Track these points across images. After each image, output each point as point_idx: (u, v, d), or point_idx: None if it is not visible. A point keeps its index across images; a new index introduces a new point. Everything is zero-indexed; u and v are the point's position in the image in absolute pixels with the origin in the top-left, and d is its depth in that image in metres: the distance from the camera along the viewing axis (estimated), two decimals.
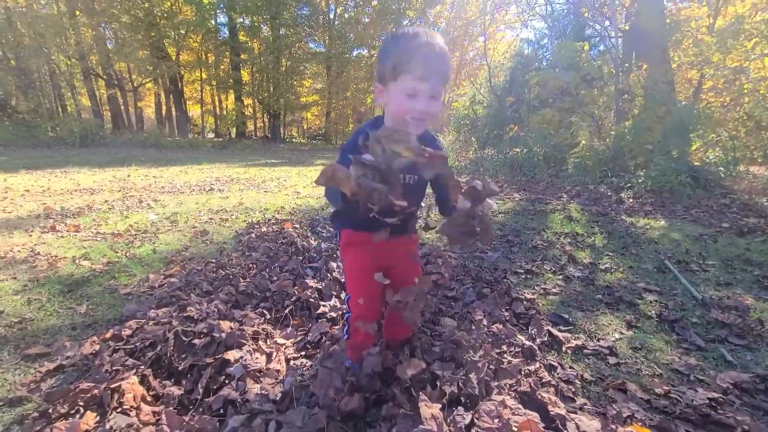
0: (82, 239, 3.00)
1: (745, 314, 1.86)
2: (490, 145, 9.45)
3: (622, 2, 8.25)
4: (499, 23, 17.70)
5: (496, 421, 0.91)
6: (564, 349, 1.56)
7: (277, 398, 1.11)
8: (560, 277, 2.39)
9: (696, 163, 5.20)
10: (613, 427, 0.99)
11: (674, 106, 6.30)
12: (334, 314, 1.63)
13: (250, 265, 2.35)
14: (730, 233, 3.49)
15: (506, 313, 1.75)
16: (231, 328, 1.45)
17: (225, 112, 28.13)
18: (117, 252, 2.70)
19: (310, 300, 1.70)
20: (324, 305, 1.67)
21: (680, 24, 7.78)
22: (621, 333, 1.73)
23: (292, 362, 1.34)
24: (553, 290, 2.17)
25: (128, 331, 1.45)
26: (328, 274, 1.97)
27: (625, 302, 2.02)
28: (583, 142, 7.37)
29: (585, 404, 1.17)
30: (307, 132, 35.99)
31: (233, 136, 25.36)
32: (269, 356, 1.32)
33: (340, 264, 2.03)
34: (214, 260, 2.42)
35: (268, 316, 1.66)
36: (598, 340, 1.65)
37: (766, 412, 1.21)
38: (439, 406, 0.95)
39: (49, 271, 2.35)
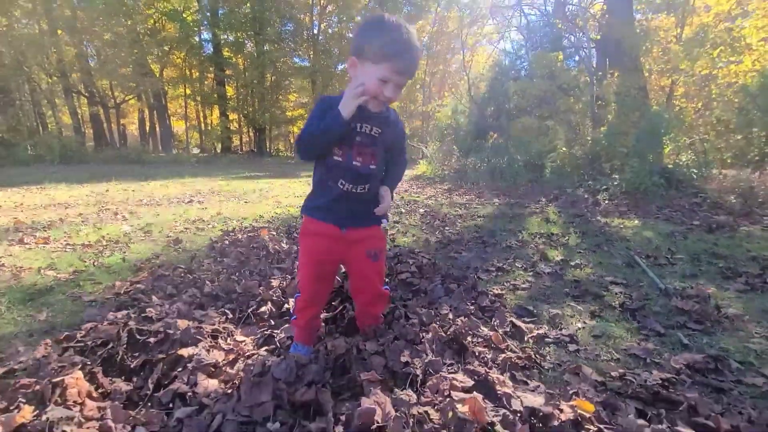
0: (50, 251, 2.93)
1: (705, 302, 1.90)
2: (472, 153, 9.58)
3: (593, 14, 8.56)
4: (478, 36, 18.17)
5: (439, 397, 0.91)
6: (526, 338, 1.57)
7: (228, 392, 1.09)
8: (530, 273, 2.41)
9: (669, 166, 5.34)
10: (557, 402, 0.99)
11: (647, 112, 6.51)
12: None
13: (220, 270, 2.33)
14: (700, 230, 3.59)
15: (471, 307, 1.76)
16: (188, 326, 1.43)
17: (210, 128, 28.05)
18: (85, 261, 2.64)
19: (273, 299, 1.69)
20: (288, 303, 1.65)
21: (650, 33, 8.09)
22: (584, 323, 1.75)
23: (249, 359, 1.32)
24: (522, 285, 2.19)
25: (82, 333, 1.42)
26: (290, 275, 1.96)
27: (591, 294, 2.05)
28: (563, 149, 7.55)
29: (538, 386, 1.18)
30: (294, 145, 35.97)
31: (218, 151, 25.25)
32: (226, 352, 1.30)
33: None
34: (183, 266, 2.39)
35: (231, 316, 1.64)
36: (561, 329, 1.67)
37: (714, 389, 1.23)
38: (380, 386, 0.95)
39: (11, 281, 2.28)
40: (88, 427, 0.92)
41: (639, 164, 5.16)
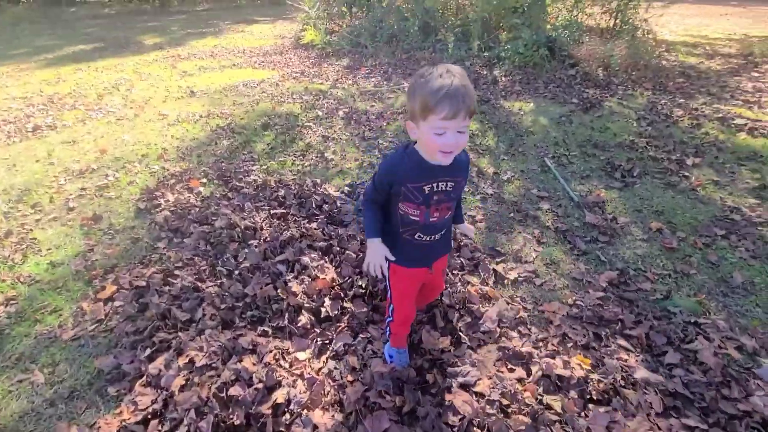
0: None
1: (603, 210, 2.63)
2: (357, 8, 8.62)
3: None
4: None
5: (501, 387, 1.38)
6: (506, 282, 2.09)
7: (343, 422, 1.38)
8: (478, 198, 2.85)
9: (552, 34, 5.78)
10: (567, 359, 1.55)
11: None
12: (335, 312, 1.81)
13: (196, 261, 2.22)
14: (579, 110, 4.34)
15: (459, 260, 2.16)
16: (254, 364, 1.55)
17: None
18: (4, 279, 2.19)
19: (305, 305, 1.82)
20: (324, 308, 1.82)
21: None
22: (535, 251, 2.32)
23: (332, 380, 1.56)
24: (478, 217, 2.63)
25: (145, 400, 1.44)
26: (308, 276, 1.99)
27: (531, 216, 2.61)
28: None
29: (538, 335, 1.72)
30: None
31: None
32: (307, 380, 1.52)
33: (313, 256, 2.09)
34: (154, 268, 2.19)
35: (268, 330, 1.76)
36: (524, 263, 2.22)
37: (627, 300, 1.95)
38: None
39: None
40: None
41: (528, 35, 5.49)
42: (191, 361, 1.58)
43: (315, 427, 1.36)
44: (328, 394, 1.49)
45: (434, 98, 1.00)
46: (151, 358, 1.63)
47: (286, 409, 1.42)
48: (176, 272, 2.14)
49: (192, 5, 19.82)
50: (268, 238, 2.26)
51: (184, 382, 1.48)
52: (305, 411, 1.41)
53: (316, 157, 3.53)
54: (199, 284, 2.02)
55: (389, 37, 6.99)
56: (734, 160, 3.22)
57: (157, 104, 5.07)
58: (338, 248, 2.16)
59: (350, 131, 4.06)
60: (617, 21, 6.62)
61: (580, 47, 5.69)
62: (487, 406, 1.37)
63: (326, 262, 2.06)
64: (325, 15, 8.07)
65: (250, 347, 1.65)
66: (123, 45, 9.31)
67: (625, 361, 1.60)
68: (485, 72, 5.62)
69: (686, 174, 3.03)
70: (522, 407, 1.35)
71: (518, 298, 1.97)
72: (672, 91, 4.90)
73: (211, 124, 4.30)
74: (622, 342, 1.69)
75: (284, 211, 2.61)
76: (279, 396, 1.43)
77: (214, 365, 1.56)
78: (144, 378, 1.55)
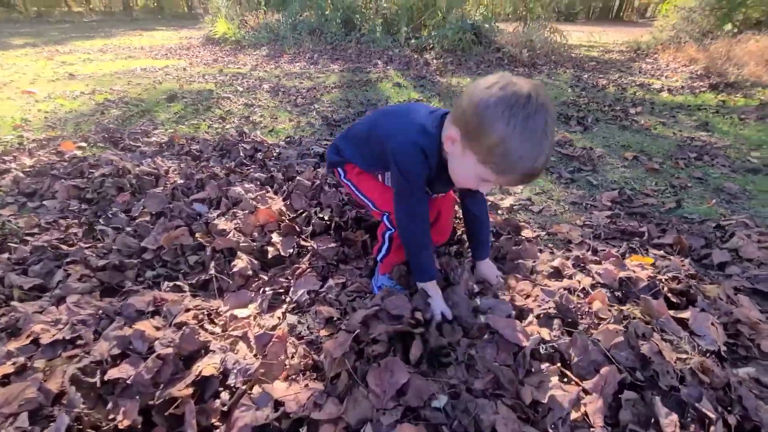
0: None
1: (575, 146, 2.41)
2: (273, 7, 8.16)
3: None
4: None
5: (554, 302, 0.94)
6: (500, 211, 1.69)
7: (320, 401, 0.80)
8: None
9: (476, 19, 5.89)
10: (621, 262, 1.16)
11: None
12: (290, 251, 1.22)
13: (61, 223, 1.47)
14: None
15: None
16: (158, 328, 0.91)
17: None
18: None
19: (242, 244, 1.20)
20: (271, 246, 1.21)
21: None
22: None
23: (297, 338, 0.97)
24: None
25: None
26: (241, 210, 1.37)
27: None
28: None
29: (565, 254, 1.33)
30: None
31: None
32: (255, 339, 0.91)
33: (249, 187, 1.46)
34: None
35: (182, 285, 1.11)
36: (513, 194, 1.85)
37: (639, 214, 1.66)
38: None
39: None
40: None
41: (456, 22, 5.51)
42: (35, 342, 0.88)
43: (279, 404, 0.77)
44: (293, 356, 0.90)
45: (516, 171, 0.77)
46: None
47: (219, 388, 0.80)
48: (26, 238, 1.37)
49: (77, 17, 17.60)
50: (180, 181, 1.60)
51: (11, 371, 0.79)
52: (256, 387, 0.81)
53: (241, 120, 2.89)
54: (63, 246, 1.29)
55: (311, 30, 6.61)
56: (668, 109, 3.31)
57: (22, 85, 3.98)
58: (283, 178, 1.57)
59: (278, 100, 3.49)
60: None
61: (502, 33, 5.86)
62: (544, 329, 0.90)
63: (269, 192, 1.47)
64: (238, 11, 7.44)
65: (151, 308, 1.00)
66: None
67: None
68: (416, 56, 5.46)
69: (635, 119, 3.00)
70: (596, 320, 0.91)
71: (523, 222, 1.57)
72: (589, 70, 5.18)
73: (97, 99, 3.42)
74: (656, 252, 1.36)
75: (202, 163, 1.95)
76: (205, 367, 0.81)
77: (78, 339, 0.88)
78: None
